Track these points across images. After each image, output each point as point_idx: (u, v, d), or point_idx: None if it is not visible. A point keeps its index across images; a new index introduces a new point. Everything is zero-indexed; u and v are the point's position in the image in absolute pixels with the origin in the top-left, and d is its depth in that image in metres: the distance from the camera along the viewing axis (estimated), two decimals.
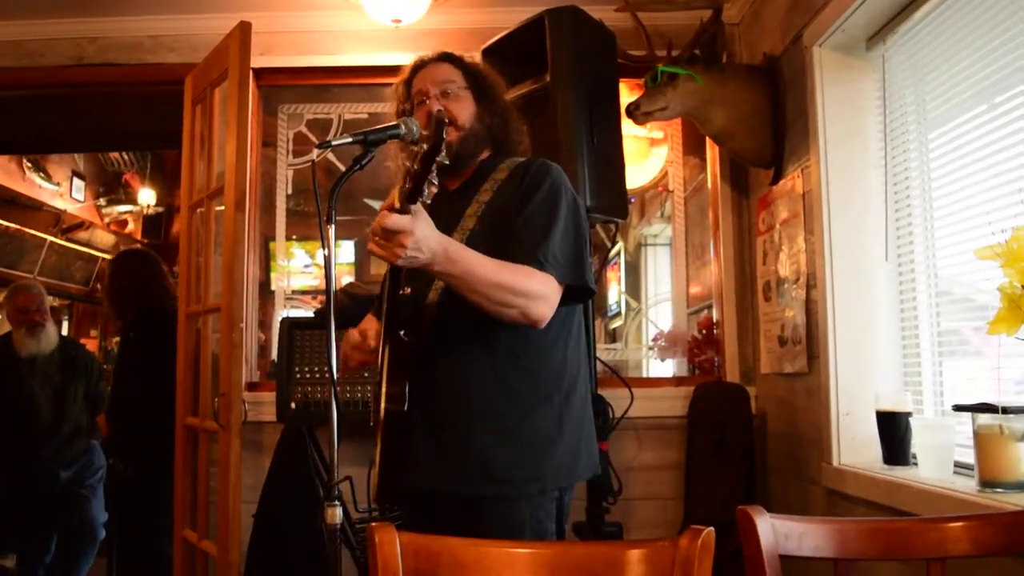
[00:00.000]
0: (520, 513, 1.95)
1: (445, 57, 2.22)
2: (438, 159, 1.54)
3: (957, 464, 2.30)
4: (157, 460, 3.82)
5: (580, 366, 2.11)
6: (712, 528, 1.33)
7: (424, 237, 1.66)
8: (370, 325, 2.16)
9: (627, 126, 3.23)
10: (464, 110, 2.13)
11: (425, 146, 1.55)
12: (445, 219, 2.06)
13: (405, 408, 1.92)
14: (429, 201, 1.63)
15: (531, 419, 1.97)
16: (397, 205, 1.63)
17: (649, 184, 4.31)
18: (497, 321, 1.88)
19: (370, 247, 1.70)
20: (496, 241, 1.95)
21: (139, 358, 4.10)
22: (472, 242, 1.96)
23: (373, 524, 1.40)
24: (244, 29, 3.23)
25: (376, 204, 6.09)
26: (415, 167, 1.58)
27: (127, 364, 4.21)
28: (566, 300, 1.95)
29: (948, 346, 2.58)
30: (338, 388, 1.92)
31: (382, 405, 1.95)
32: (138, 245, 9.67)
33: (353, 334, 2.13)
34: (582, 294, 2.01)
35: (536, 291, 1.86)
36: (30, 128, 5.08)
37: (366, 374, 3.10)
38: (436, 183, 1.58)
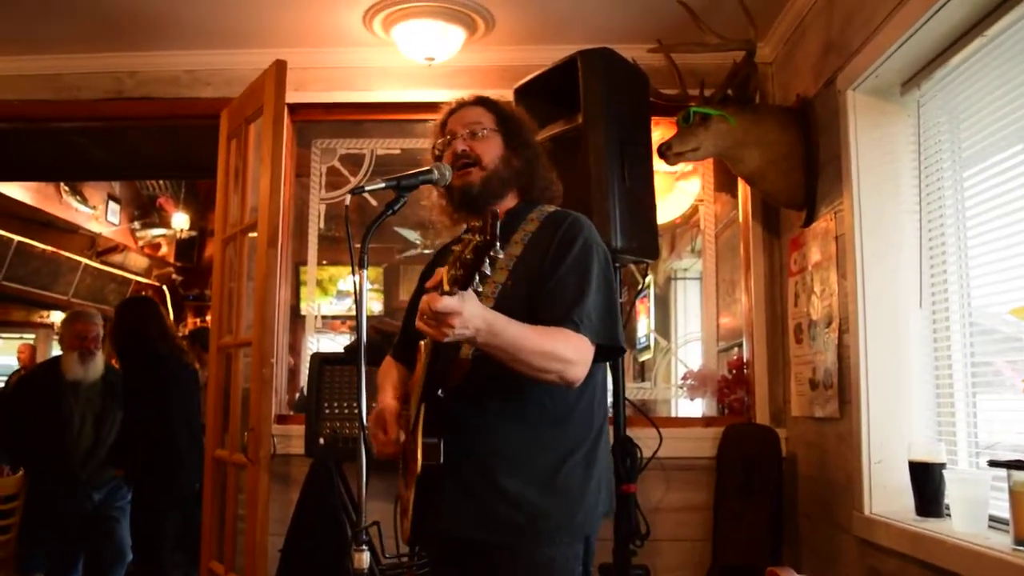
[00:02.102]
0: (549, 558, 1.97)
1: (479, 100, 2.24)
2: (492, 253, 1.55)
3: (992, 518, 2.26)
4: (152, 494, 4.10)
5: (605, 414, 2.15)
6: None
7: (471, 315, 1.68)
8: (387, 405, 2.16)
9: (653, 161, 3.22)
10: (489, 151, 2.15)
11: (479, 237, 1.55)
12: None
13: (441, 462, 1.93)
14: (481, 289, 1.65)
15: (561, 469, 1.99)
16: (446, 288, 1.64)
17: (679, 220, 4.30)
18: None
19: (419, 325, 1.73)
20: (528, 298, 1.98)
21: (133, 397, 4.34)
22: (504, 298, 1.99)
23: None
24: (280, 68, 3.27)
25: (406, 233, 6.15)
26: (468, 256, 1.58)
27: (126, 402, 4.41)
28: (597, 358, 1.97)
29: (982, 387, 2.54)
30: (367, 427, 1.95)
31: (418, 460, 1.95)
32: (170, 269, 9.79)
33: (377, 434, 2.10)
34: (612, 352, 2.05)
35: (573, 356, 1.89)
36: (68, 157, 5.16)
37: None
38: (490, 272, 1.60)
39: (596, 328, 1.94)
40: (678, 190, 4.21)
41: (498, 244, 1.54)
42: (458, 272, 1.60)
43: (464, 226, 2.26)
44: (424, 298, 1.67)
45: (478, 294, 2.01)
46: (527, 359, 1.84)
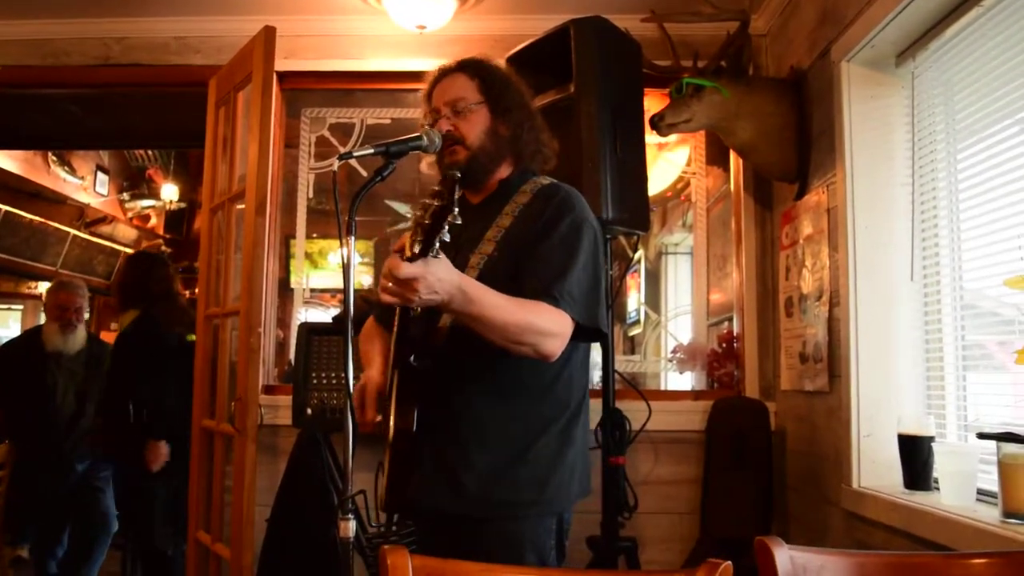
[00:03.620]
0: (520, 531, 1.98)
1: (461, 67, 2.16)
2: (450, 219, 1.56)
3: (980, 491, 2.26)
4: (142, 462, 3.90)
5: (584, 392, 2.13)
6: (730, 563, 1.30)
7: (439, 280, 1.66)
8: (370, 379, 2.11)
9: None
10: (474, 127, 2.09)
11: (437, 202, 1.56)
12: (465, 236, 2.06)
13: (414, 429, 1.93)
14: (439, 257, 1.64)
15: (534, 444, 1.99)
16: (408, 253, 1.63)
17: (670, 194, 4.27)
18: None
19: (382, 293, 1.71)
20: (513, 271, 1.96)
21: (126, 360, 4.10)
22: (489, 268, 1.97)
23: (386, 547, 1.39)
24: (269, 34, 3.22)
25: (396, 205, 6.11)
26: (427, 221, 1.59)
27: (116, 364, 4.20)
28: (576, 338, 1.95)
29: (972, 360, 2.54)
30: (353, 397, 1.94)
31: (391, 423, 1.94)
32: (159, 241, 9.73)
33: (357, 411, 2.07)
34: (592, 335, 2.01)
35: (548, 328, 1.87)
36: (55, 125, 5.11)
37: None
38: (448, 239, 1.61)
39: (578, 305, 1.91)
40: (664, 160, 4.18)
41: (456, 210, 1.55)
42: (419, 237, 1.60)
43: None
44: (387, 263, 1.66)
45: (463, 263, 2.00)
46: (502, 330, 1.82)
